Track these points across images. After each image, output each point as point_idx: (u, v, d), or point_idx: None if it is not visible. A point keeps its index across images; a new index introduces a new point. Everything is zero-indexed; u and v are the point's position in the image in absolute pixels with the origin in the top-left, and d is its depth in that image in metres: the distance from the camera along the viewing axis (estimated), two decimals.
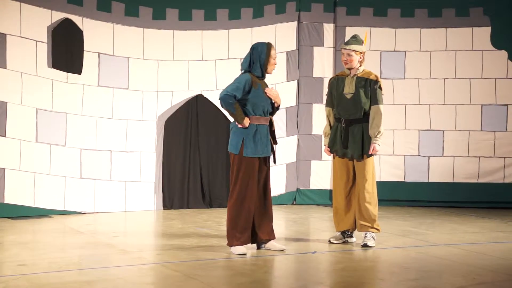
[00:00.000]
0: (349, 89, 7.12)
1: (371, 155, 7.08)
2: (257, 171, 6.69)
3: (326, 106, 7.40)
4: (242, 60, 7.00)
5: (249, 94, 6.64)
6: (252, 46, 6.81)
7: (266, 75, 6.86)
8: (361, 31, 10.33)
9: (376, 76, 7.15)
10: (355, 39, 7.20)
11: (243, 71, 6.81)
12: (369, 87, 7.09)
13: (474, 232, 8.29)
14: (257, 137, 6.64)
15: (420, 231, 8.27)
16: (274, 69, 6.85)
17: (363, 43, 7.21)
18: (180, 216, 9.41)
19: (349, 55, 7.13)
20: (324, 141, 7.41)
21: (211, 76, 10.34)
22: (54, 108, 9.35)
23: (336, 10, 10.88)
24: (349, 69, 7.18)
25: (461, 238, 7.78)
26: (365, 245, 7.06)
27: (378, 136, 7.02)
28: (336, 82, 7.26)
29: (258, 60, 6.71)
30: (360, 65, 7.17)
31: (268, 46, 6.76)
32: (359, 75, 7.15)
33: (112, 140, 9.81)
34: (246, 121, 6.61)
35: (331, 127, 7.35)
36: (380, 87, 7.12)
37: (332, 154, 7.32)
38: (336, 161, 7.28)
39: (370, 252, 6.87)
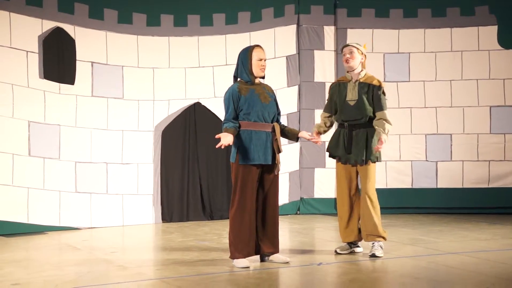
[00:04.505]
0: (352, 95, 7.00)
1: (375, 160, 6.94)
2: (255, 179, 6.54)
3: (324, 110, 7.28)
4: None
5: (239, 103, 6.51)
6: (239, 53, 6.70)
7: (262, 79, 6.74)
8: (363, 33, 10.56)
9: (379, 81, 7.02)
10: (355, 42, 7.15)
11: (234, 78, 6.72)
12: (372, 93, 6.96)
13: (486, 239, 8.18)
14: (252, 144, 6.50)
15: (429, 239, 8.17)
16: (263, 70, 6.63)
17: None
18: (180, 229, 9.34)
19: (351, 52, 7.00)
20: (315, 127, 7.23)
21: (209, 83, 10.30)
22: (46, 120, 9.28)
23: (337, 12, 10.88)
24: (351, 71, 7.03)
25: (472, 246, 7.67)
26: (373, 255, 6.92)
27: (386, 132, 6.84)
28: (338, 88, 7.13)
29: (242, 65, 6.61)
30: (362, 70, 7.05)
31: (249, 48, 6.64)
32: (361, 81, 7.02)
33: (107, 152, 9.76)
34: (222, 134, 6.42)
35: (324, 126, 7.23)
36: (383, 93, 7.00)
37: (319, 139, 7.10)
38: (339, 169, 7.16)
39: (379, 263, 6.74)
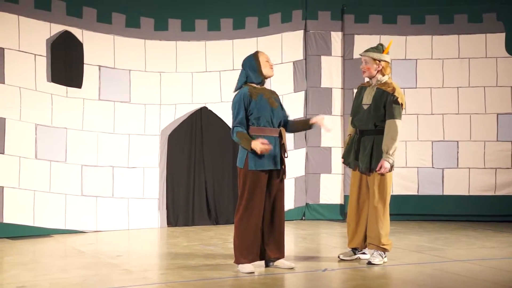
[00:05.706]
0: (367, 99, 6.97)
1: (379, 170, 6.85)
2: (264, 185, 6.54)
3: (350, 114, 7.26)
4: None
5: (249, 106, 6.50)
6: (242, 62, 6.72)
7: (269, 81, 6.69)
8: (370, 39, 10.44)
9: (393, 89, 6.91)
10: (375, 48, 7.04)
11: (239, 86, 6.67)
12: (385, 100, 6.88)
13: (491, 247, 8.13)
14: None
15: (435, 246, 8.13)
16: (272, 69, 6.70)
17: (383, 52, 6.99)
18: (185, 233, 9.31)
19: (365, 62, 6.98)
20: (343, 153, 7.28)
21: (216, 88, 10.24)
22: (53, 123, 9.26)
23: (344, 17, 10.79)
24: (370, 78, 7.02)
25: (478, 254, 7.63)
26: (369, 263, 6.88)
27: (390, 152, 6.76)
28: (359, 92, 7.15)
29: (251, 68, 6.61)
30: (383, 75, 6.98)
31: (254, 53, 6.70)
32: (378, 86, 6.97)
33: (114, 155, 9.71)
34: (254, 144, 6.35)
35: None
36: (396, 101, 6.85)
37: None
38: (351, 174, 7.17)
39: (383, 269, 6.70)
